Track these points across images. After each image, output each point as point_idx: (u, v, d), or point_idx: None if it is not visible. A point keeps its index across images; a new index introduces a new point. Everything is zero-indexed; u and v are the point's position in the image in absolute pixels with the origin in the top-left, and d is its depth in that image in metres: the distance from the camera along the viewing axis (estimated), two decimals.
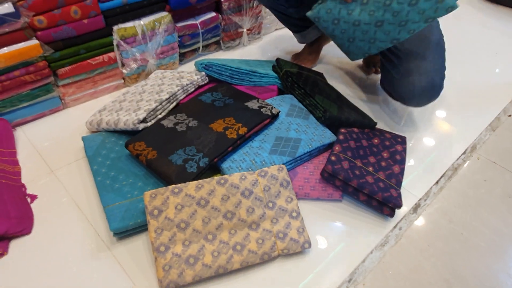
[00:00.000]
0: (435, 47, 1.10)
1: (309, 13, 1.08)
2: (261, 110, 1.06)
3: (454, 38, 1.71)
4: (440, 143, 1.21)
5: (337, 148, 1.03)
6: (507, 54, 1.65)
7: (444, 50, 1.13)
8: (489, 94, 1.42)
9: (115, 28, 1.19)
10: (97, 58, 1.19)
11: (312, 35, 1.34)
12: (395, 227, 0.96)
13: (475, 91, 1.43)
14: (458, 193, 1.07)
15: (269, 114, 1.05)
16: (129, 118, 1.03)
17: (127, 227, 0.86)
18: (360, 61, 1.52)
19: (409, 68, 1.08)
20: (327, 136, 1.07)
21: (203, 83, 1.23)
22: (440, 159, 1.15)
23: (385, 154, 1.08)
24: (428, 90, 1.08)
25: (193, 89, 1.19)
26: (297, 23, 1.31)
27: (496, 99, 1.40)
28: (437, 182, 1.09)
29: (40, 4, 1.03)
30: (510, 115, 1.35)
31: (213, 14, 1.41)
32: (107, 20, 1.17)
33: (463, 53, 1.61)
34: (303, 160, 1.04)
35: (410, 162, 1.13)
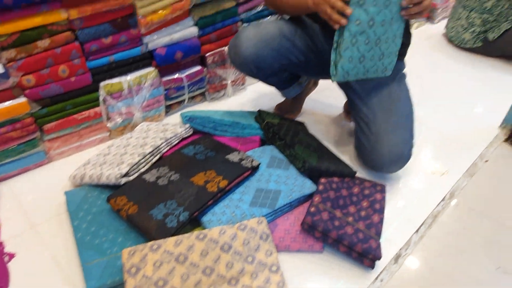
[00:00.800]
0: (405, 120, 1.16)
1: (336, 79, 1.05)
2: (242, 162, 1.08)
3: (431, 85, 1.79)
4: (419, 191, 1.23)
5: (316, 198, 1.04)
6: (482, 101, 1.72)
7: (413, 121, 1.19)
8: (465, 140, 1.46)
9: (101, 84, 1.24)
10: (83, 113, 1.23)
11: (294, 91, 1.39)
12: (376, 278, 0.96)
13: (452, 137, 1.47)
14: (439, 242, 1.08)
15: (249, 166, 1.07)
16: (111, 173, 1.05)
17: (105, 286, 0.85)
18: (341, 109, 1.58)
19: (379, 140, 1.14)
20: (307, 186, 1.10)
21: (187, 135, 1.26)
22: (420, 207, 1.17)
23: (364, 204, 1.10)
24: (396, 161, 1.15)
25: (176, 142, 1.22)
26: (279, 84, 1.35)
27: (472, 145, 1.44)
28: (417, 230, 1.10)
29: (30, 65, 1.07)
30: (486, 161, 1.39)
31: (198, 67, 1.48)
32: (94, 77, 1.23)
33: (439, 101, 1.68)
34: (284, 212, 1.05)
35: (389, 211, 1.14)
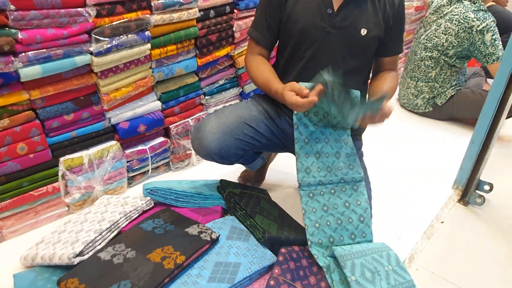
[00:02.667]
0: None
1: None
2: (201, 235, 1.08)
3: (387, 149, 1.88)
4: None
5: (276, 270, 1.04)
6: (434, 162, 1.81)
7: (371, 205, 1.23)
8: (420, 202, 1.52)
9: (61, 159, 1.24)
10: (40, 189, 1.21)
11: (258, 164, 1.42)
12: None
13: (407, 201, 1.53)
14: None
15: (209, 239, 1.07)
16: (65, 252, 1.01)
17: None
18: None
19: None
20: (267, 257, 1.09)
21: (147, 207, 1.25)
22: None
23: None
24: None
25: (136, 215, 1.21)
26: (243, 162, 1.36)
27: (427, 206, 1.50)
28: None
29: None
30: (442, 222, 1.44)
31: (162, 139, 1.51)
32: (54, 152, 1.23)
33: (394, 163, 1.77)
34: (243, 285, 1.03)
35: None
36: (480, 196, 1.52)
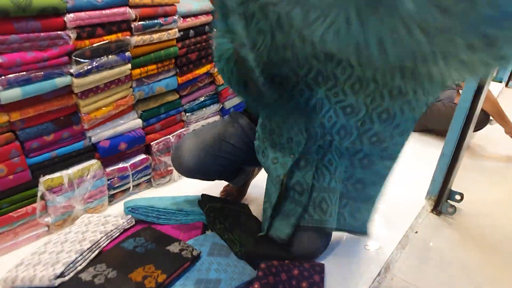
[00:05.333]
0: None
1: None
2: (182, 253, 1.10)
3: None
4: (355, 267, 1.28)
5: (256, 286, 1.06)
6: (408, 173, 1.88)
7: None
8: (394, 212, 1.58)
9: (41, 179, 1.24)
10: (20, 210, 1.21)
11: (242, 180, 1.46)
12: None
13: (382, 211, 1.58)
14: None
15: (190, 256, 1.09)
16: (45, 274, 1.02)
17: None
18: None
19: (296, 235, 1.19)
20: (247, 273, 1.12)
21: (129, 226, 1.27)
22: (356, 284, 1.22)
23: (304, 284, 1.14)
24: (307, 256, 1.23)
25: (118, 234, 1.22)
26: (226, 179, 1.41)
27: (402, 216, 1.55)
28: None
29: None
30: (416, 232, 1.50)
31: (143, 156, 1.53)
32: (34, 172, 1.23)
33: None
34: None
35: None
36: (452, 205, 1.59)
